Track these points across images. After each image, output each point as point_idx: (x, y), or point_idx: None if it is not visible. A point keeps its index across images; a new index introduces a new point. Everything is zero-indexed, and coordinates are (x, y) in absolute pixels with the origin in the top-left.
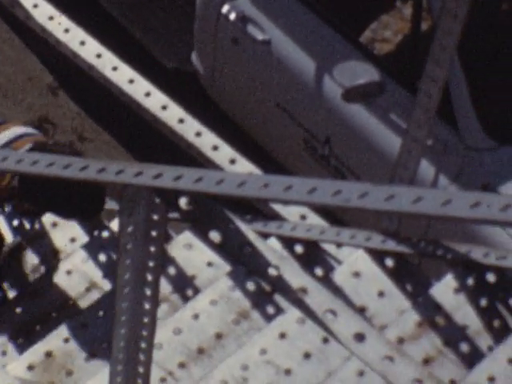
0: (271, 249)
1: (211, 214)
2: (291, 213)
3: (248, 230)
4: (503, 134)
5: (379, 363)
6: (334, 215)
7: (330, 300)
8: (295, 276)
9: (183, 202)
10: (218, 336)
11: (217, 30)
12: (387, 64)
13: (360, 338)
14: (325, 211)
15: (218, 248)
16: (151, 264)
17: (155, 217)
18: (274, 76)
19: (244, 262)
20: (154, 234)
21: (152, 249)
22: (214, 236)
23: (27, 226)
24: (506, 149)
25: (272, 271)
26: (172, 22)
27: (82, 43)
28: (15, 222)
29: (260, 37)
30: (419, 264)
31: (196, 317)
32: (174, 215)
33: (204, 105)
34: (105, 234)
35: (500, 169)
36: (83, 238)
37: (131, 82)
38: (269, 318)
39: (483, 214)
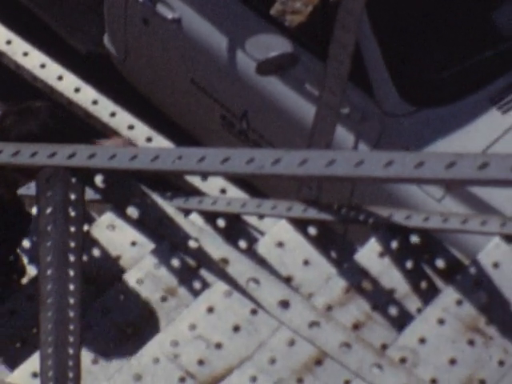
0: (190, 222)
1: (127, 190)
2: (211, 187)
3: (165, 204)
4: (419, 97)
5: (306, 329)
6: (256, 188)
7: (252, 269)
8: (215, 247)
9: (99, 179)
10: (147, 314)
11: (127, 12)
12: (299, 35)
13: (285, 305)
14: (246, 184)
15: (138, 225)
16: (72, 244)
17: (73, 196)
18: (186, 54)
19: (164, 237)
20: (72, 214)
21: (72, 229)
22: (132, 212)
23: None
24: (424, 112)
25: (192, 244)
26: (82, 6)
27: None
28: None
29: (170, 16)
30: (345, 231)
31: (124, 296)
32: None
33: (119, 87)
34: None
35: (419, 132)
36: None
37: (43, 66)
38: (196, 293)
39: (397, 173)
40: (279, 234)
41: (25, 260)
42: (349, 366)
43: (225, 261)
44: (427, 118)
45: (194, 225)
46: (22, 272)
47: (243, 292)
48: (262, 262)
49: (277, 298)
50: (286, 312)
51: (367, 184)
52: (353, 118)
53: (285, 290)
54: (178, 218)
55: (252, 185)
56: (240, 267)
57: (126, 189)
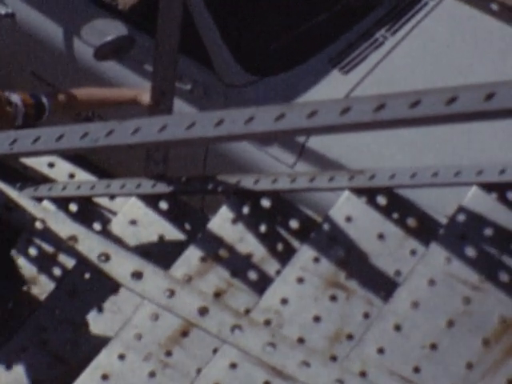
0: (34, 204)
1: None
2: (60, 173)
3: (8, 189)
4: (260, 66)
5: (163, 298)
6: (107, 172)
7: (102, 244)
8: (63, 226)
9: None
10: (14, 305)
11: None
12: (133, 17)
13: (138, 276)
14: (98, 170)
15: None
16: None
17: None
18: (24, 47)
19: (10, 221)
20: None
21: None
22: None
23: None
24: (265, 80)
25: (39, 225)
26: None
27: None
28: None
29: (3, 11)
30: (203, 202)
31: None
32: None
33: None
34: None
35: (262, 101)
36: None
37: None
38: (56, 280)
39: (228, 131)
40: (131, 212)
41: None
42: (209, 330)
43: (73, 238)
44: (269, 85)
45: (38, 206)
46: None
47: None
48: (118, 241)
49: (129, 269)
50: (140, 283)
51: (217, 155)
52: (196, 94)
53: (137, 261)
54: (22, 201)
55: (104, 170)
56: (89, 243)
57: None
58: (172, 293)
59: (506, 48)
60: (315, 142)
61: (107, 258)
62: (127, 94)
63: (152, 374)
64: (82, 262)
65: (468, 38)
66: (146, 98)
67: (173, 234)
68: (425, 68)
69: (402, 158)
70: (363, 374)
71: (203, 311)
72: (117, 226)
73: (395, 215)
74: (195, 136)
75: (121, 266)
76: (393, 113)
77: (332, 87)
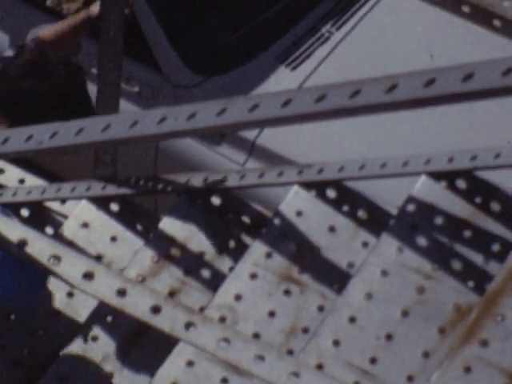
0: None
1: None
2: (9, 179)
3: None
4: (207, 66)
5: (114, 298)
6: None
7: (52, 246)
8: (12, 230)
9: None
10: None
11: None
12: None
13: (89, 276)
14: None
15: None
16: None
17: None
18: None
19: None
20: None
21: None
22: None
23: None
24: (213, 80)
25: None
26: None
27: None
28: None
29: None
30: (156, 203)
31: None
32: None
33: None
34: None
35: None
36: None
37: None
38: None
39: (171, 128)
40: (82, 215)
41: None
42: (162, 327)
43: (23, 242)
44: (217, 85)
45: None
46: None
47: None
48: (70, 244)
49: (80, 270)
50: (91, 283)
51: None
52: (144, 96)
53: (88, 262)
54: None
55: (55, 175)
56: (40, 246)
57: None
58: (124, 292)
59: (453, 38)
60: (265, 139)
61: (58, 259)
62: (81, 15)
63: (110, 375)
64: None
65: (414, 30)
66: (95, 9)
67: (125, 235)
68: (371, 61)
69: (352, 150)
70: (320, 367)
71: (156, 310)
72: (69, 230)
73: (345, 208)
74: (139, 134)
75: (72, 267)
76: (333, 103)
77: (280, 83)
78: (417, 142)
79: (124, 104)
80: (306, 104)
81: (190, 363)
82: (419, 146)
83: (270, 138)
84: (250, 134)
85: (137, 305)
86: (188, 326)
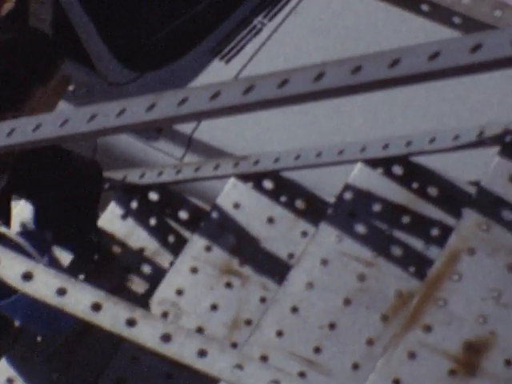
0: None
1: None
2: None
3: None
4: (140, 62)
5: (54, 297)
6: None
7: None
8: None
9: None
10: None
11: None
12: (12, 22)
13: (28, 276)
14: None
15: None
16: None
17: None
18: None
19: None
20: None
21: None
22: None
23: None
24: (147, 76)
25: None
26: None
27: None
28: None
29: None
30: None
31: None
32: None
33: None
34: None
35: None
36: None
37: None
38: None
39: (101, 125)
40: (22, 215)
41: None
42: (103, 325)
43: None
44: (152, 80)
45: None
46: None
47: None
48: None
49: (19, 271)
50: (30, 284)
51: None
52: (78, 95)
53: (26, 262)
54: None
55: None
56: None
57: None
58: (63, 291)
59: (385, 26)
60: (202, 132)
61: None
62: None
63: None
64: None
65: (346, 18)
66: None
67: None
68: (304, 51)
69: (288, 141)
70: (264, 358)
71: (96, 307)
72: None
73: (283, 198)
74: (70, 133)
75: (10, 268)
76: (262, 94)
77: (215, 77)
78: (352, 130)
79: (59, 104)
80: (235, 96)
81: (135, 359)
82: (355, 133)
83: (208, 131)
84: (187, 128)
85: (77, 303)
86: (129, 322)
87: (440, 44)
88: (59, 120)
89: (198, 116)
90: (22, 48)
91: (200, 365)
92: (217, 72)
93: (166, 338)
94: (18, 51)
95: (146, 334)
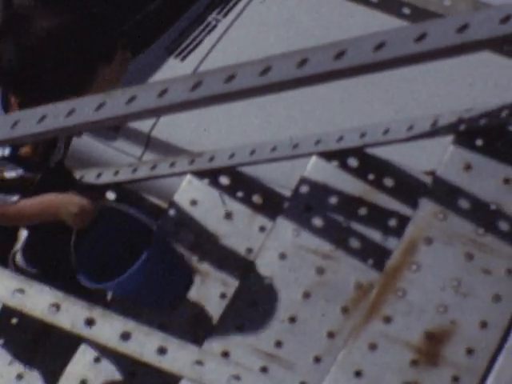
0: None
1: None
2: None
3: None
4: None
5: (11, 298)
6: None
7: None
8: None
9: None
10: None
11: None
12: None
13: None
14: None
15: None
16: None
17: None
18: None
19: None
20: None
21: None
22: None
23: None
24: None
25: None
26: None
27: None
28: None
29: None
30: None
31: None
32: None
33: None
34: None
35: None
36: None
37: None
38: None
39: (51, 125)
40: None
41: None
42: (63, 325)
43: None
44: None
45: None
46: None
47: None
48: None
49: None
50: None
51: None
52: None
53: None
54: None
55: None
56: None
57: None
58: (21, 292)
59: (340, 21)
60: (161, 131)
61: None
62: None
63: (20, 376)
64: None
65: (300, 13)
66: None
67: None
68: (260, 46)
69: (245, 136)
70: (226, 354)
71: (55, 307)
72: None
73: (240, 194)
74: (20, 134)
75: None
76: (209, 89)
77: (171, 75)
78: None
79: None
80: (182, 92)
81: (97, 359)
82: (310, 126)
83: (166, 128)
84: (145, 127)
85: (36, 304)
86: (88, 322)
87: (385, 34)
88: (10, 122)
89: (147, 114)
90: (83, 29)
91: (160, 362)
92: (173, 70)
93: (126, 336)
94: (78, 32)
95: (106, 333)
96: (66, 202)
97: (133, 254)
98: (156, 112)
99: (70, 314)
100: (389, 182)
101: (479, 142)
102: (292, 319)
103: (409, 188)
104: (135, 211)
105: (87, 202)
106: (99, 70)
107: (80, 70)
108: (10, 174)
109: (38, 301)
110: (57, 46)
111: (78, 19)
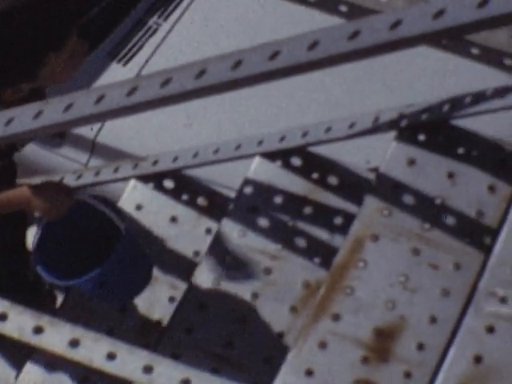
0: None
1: None
2: None
3: None
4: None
5: None
6: None
7: None
8: None
9: None
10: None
11: None
12: None
13: None
14: None
15: None
16: None
17: None
18: None
19: None
20: None
21: None
22: None
23: None
24: None
25: None
26: None
27: None
28: None
29: None
30: None
31: None
32: None
33: None
34: None
35: None
36: None
37: None
38: None
39: (17, 129)
40: None
41: None
42: (11, 334)
43: None
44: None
45: None
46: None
47: None
48: None
49: None
50: None
51: None
52: None
53: None
54: None
55: None
56: None
57: None
58: None
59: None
60: (105, 136)
61: None
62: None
63: None
64: None
65: (239, 14)
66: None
67: None
68: (201, 49)
69: (190, 138)
70: (176, 357)
71: (2, 317)
72: None
73: (185, 197)
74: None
75: None
76: (146, 94)
77: (113, 80)
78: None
79: None
80: (119, 98)
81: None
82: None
83: (111, 133)
84: (90, 133)
85: None
86: (36, 330)
87: (319, 33)
88: None
89: (86, 121)
90: (31, 14)
91: (110, 368)
92: (115, 75)
93: (74, 343)
94: (26, 17)
95: (54, 340)
96: (43, 192)
97: (98, 250)
98: (94, 118)
99: (17, 323)
100: (333, 179)
101: (422, 137)
102: (241, 320)
103: (353, 185)
104: (105, 208)
105: (66, 191)
106: (48, 57)
107: (27, 55)
108: None
109: None
110: (3, 29)
111: (27, 3)
